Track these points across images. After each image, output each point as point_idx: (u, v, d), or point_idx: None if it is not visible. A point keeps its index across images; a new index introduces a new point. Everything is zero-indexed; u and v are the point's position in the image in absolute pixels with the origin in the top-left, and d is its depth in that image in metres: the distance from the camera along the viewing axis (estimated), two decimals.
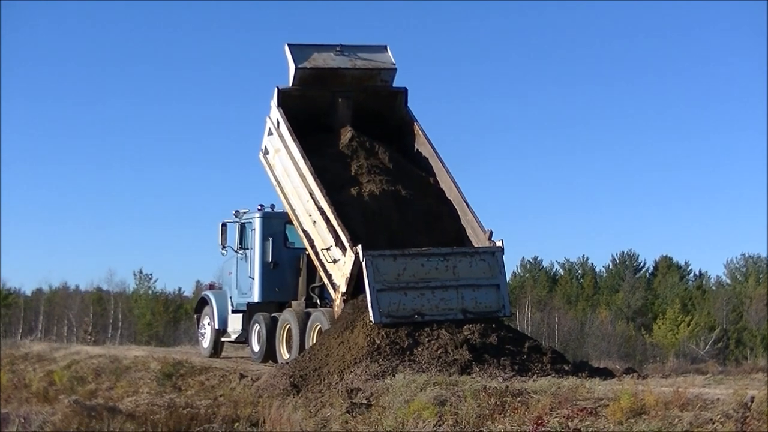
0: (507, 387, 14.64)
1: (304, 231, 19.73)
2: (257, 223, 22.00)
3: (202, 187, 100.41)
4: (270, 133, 20.58)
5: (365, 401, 15.47)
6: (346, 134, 20.45)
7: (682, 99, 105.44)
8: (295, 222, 20.08)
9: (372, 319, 17.81)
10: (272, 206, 22.36)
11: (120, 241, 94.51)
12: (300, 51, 20.42)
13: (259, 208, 22.23)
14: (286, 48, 20.37)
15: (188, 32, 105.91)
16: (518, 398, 13.94)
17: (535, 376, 16.46)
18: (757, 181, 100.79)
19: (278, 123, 20.20)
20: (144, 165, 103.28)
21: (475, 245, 19.57)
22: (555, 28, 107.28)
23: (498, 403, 13.83)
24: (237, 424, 16.38)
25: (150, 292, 69.70)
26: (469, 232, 19.89)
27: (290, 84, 20.41)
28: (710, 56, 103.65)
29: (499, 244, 19.17)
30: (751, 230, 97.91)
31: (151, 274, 70.03)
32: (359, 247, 18.12)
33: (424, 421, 14.08)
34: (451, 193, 20.28)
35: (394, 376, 16.19)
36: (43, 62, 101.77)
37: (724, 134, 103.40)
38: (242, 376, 18.84)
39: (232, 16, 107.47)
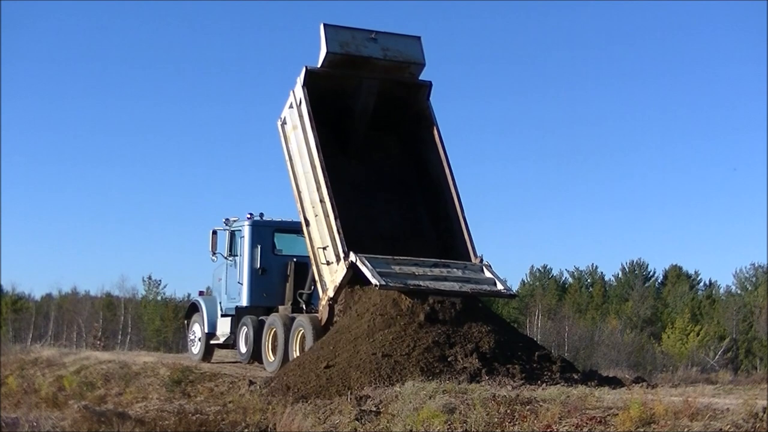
0: (516, 395, 14.64)
1: (306, 218, 20.16)
2: (246, 231, 22.63)
3: (214, 192, 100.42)
4: (291, 107, 20.78)
5: (374, 408, 15.49)
6: None
7: (693, 105, 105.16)
8: (298, 205, 20.53)
9: (377, 283, 18.13)
10: (261, 215, 22.94)
11: (131, 246, 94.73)
12: (334, 33, 20.46)
13: (249, 216, 22.81)
14: (321, 28, 20.39)
15: (190, 32, 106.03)
16: (527, 407, 13.94)
17: (545, 384, 16.48)
18: (765, 189, 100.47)
19: (300, 102, 20.37)
20: (155, 169, 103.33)
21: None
22: (569, 28, 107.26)
23: (507, 411, 13.83)
24: (246, 430, 16.42)
25: (159, 298, 69.85)
26: (461, 250, 20.30)
27: (319, 64, 20.53)
28: (715, 57, 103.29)
29: (486, 263, 19.81)
30: (761, 240, 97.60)
31: (160, 280, 70.24)
32: (351, 255, 18.60)
33: (433, 429, 14.08)
34: (450, 207, 20.64)
35: (403, 383, 16.22)
36: (55, 61, 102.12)
37: (734, 142, 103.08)
38: (251, 383, 18.88)
39: (236, 15, 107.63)
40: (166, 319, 66.42)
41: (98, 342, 42.36)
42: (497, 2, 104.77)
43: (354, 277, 18.85)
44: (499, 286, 19.39)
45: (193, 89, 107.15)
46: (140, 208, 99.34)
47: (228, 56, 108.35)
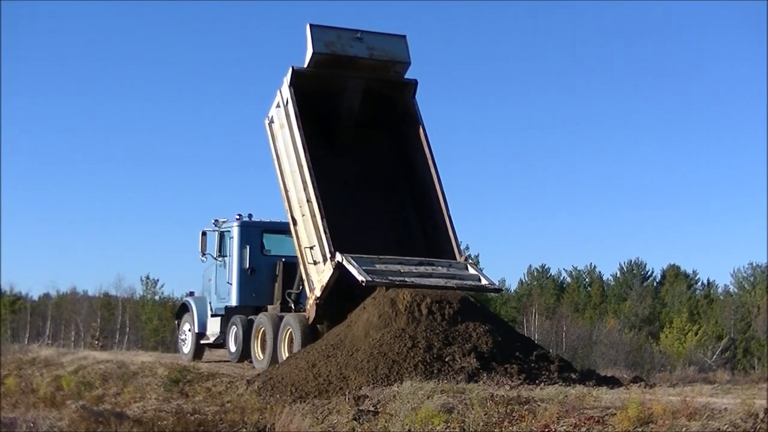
0: (515, 395, 14.63)
1: (293, 218, 20.31)
2: (235, 232, 22.87)
3: (212, 191, 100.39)
4: (278, 106, 20.92)
5: (372, 408, 15.47)
6: None
7: (692, 105, 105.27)
8: (285, 204, 20.67)
9: (363, 279, 18.28)
10: (250, 215, 23.16)
11: (129, 246, 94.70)
12: (320, 33, 20.63)
13: (238, 217, 23.02)
14: (308, 28, 20.54)
15: (180, 32, 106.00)
16: (525, 406, 13.93)
17: (543, 384, 16.46)
18: (764, 189, 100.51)
19: (287, 101, 20.52)
20: (153, 168, 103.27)
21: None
22: (567, 27, 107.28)
23: (505, 411, 13.82)
24: (244, 430, 16.41)
25: (157, 297, 69.83)
26: (446, 248, 20.42)
27: (305, 65, 20.67)
28: (714, 57, 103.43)
29: (471, 262, 20.11)
30: (758, 239, 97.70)
31: (157, 280, 70.30)
32: (338, 255, 18.73)
33: (431, 429, 14.07)
34: (435, 205, 20.74)
35: (401, 383, 16.21)
36: (54, 61, 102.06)
37: (732, 141, 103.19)
38: (249, 383, 18.86)
39: (224, 15, 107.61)
40: (164, 318, 66.36)
41: (96, 342, 42.33)
42: (492, 2, 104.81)
43: (341, 276, 18.90)
44: (484, 282, 19.59)
45: (191, 89, 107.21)
46: (138, 207, 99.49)
47: (220, 55, 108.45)
